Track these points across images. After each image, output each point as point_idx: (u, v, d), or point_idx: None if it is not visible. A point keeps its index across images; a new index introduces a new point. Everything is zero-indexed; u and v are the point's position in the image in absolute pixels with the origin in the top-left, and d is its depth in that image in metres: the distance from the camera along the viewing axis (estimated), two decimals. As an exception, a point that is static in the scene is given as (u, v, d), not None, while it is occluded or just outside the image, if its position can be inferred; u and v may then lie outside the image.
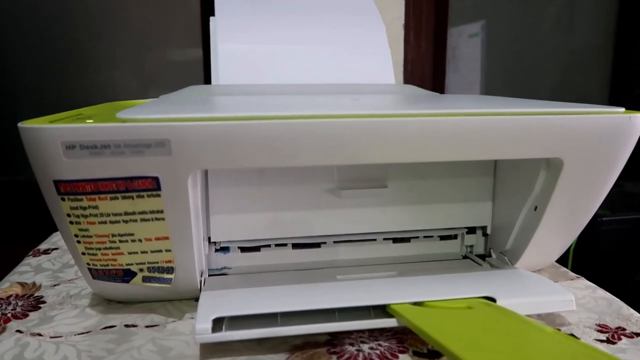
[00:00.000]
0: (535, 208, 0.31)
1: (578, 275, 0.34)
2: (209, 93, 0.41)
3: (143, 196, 0.25)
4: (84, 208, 0.25)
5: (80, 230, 0.26)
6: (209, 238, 0.32)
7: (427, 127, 0.26)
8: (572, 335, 0.27)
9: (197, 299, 0.28)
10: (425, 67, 0.87)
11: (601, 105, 0.30)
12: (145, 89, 1.03)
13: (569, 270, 0.35)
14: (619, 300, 0.31)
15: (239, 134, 0.24)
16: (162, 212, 0.26)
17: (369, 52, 0.50)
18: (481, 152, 0.27)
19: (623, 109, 0.29)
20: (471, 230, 0.36)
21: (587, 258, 0.79)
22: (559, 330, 0.27)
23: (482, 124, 0.26)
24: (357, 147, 0.26)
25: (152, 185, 0.25)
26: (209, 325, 0.24)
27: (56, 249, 0.40)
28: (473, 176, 0.34)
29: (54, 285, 0.33)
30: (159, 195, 0.25)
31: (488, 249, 0.36)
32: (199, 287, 0.29)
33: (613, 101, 1.26)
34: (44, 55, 0.98)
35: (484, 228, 0.36)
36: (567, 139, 0.27)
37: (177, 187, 0.25)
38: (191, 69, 1.02)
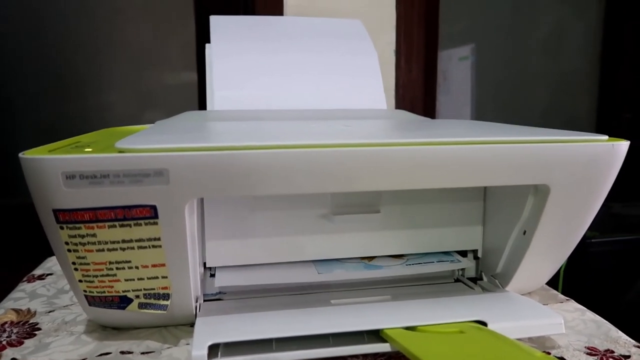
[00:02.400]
0: (524, 232, 0.32)
1: (567, 298, 0.35)
2: (205, 119, 0.42)
3: (140, 224, 0.26)
4: (82, 236, 0.26)
5: (78, 258, 0.26)
6: (204, 263, 0.33)
7: (418, 156, 0.27)
8: (561, 358, 0.27)
9: (192, 325, 0.28)
10: (417, 91, 0.89)
11: (586, 133, 0.31)
12: (142, 111, 1.04)
13: (558, 293, 0.36)
14: (607, 322, 0.31)
15: (236, 164, 0.25)
16: (159, 239, 0.26)
17: (361, 77, 0.52)
18: (470, 179, 0.28)
19: (606, 137, 0.30)
20: (462, 253, 0.36)
21: (577, 279, 0.80)
22: (549, 353, 0.27)
23: (471, 152, 0.27)
24: (350, 176, 0.26)
25: (149, 214, 0.25)
26: (205, 351, 0.24)
27: (51, 274, 0.40)
28: (464, 201, 0.35)
29: (49, 312, 0.33)
30: (156, 223, 0.26)
31: (479, 272, 0.36)
32: (194, 312, 0.29)
33: (600, 122, 1.29)
34: (42, 76, 0.99)
35: (474, 251, 0.36)
36: (553, 166, 0.28)
37: (174, 215, 0.26)
38: (186, 92, 1.03)
